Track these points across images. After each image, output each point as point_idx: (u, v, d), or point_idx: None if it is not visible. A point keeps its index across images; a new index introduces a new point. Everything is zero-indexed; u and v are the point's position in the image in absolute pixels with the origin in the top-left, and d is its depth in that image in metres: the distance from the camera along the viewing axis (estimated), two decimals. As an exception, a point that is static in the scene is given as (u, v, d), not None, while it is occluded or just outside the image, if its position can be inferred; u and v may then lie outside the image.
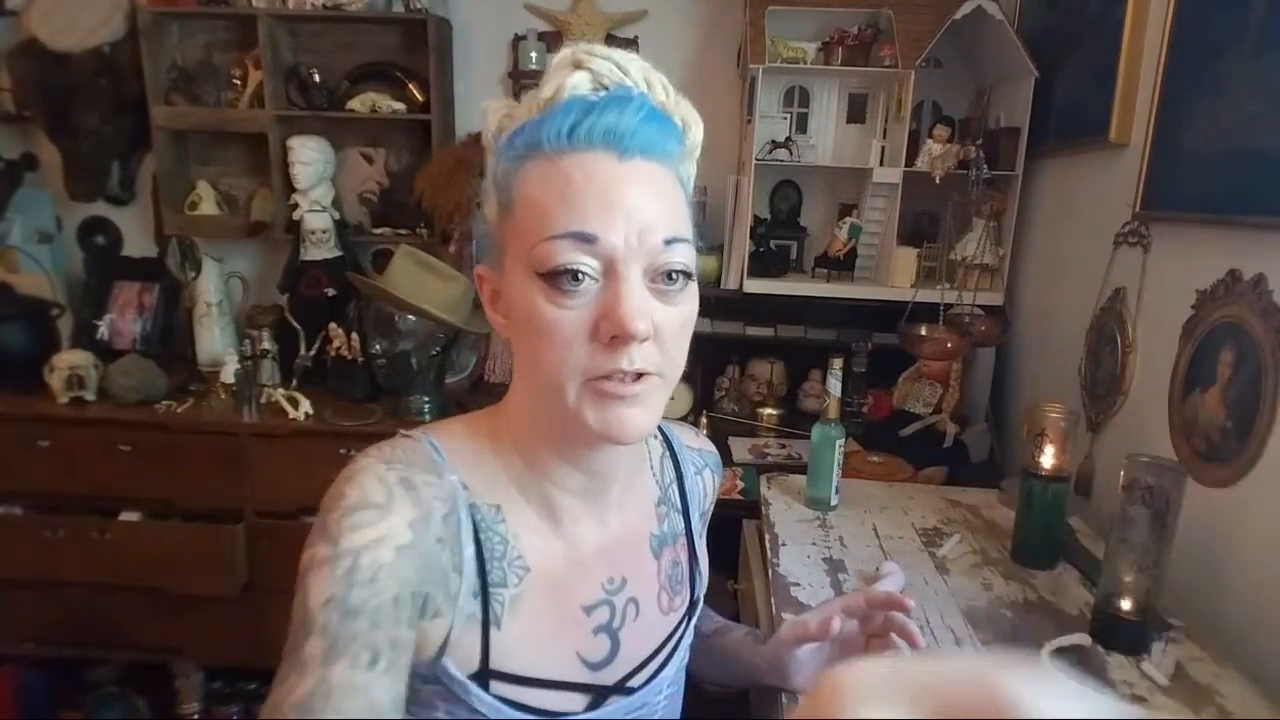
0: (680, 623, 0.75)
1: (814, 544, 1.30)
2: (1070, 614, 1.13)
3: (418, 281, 1.87)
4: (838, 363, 1.43)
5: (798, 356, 2.29)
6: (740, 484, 1.85)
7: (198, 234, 2.28)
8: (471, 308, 2.00)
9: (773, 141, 2.08)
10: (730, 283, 2.12)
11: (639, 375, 0.58)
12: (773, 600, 1.14)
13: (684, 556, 0.77)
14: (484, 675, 0.62)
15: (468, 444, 0.66)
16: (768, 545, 1.31)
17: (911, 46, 1.94)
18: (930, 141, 1.95)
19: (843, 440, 1.40)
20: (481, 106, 0.67)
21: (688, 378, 2.19)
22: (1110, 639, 1.04)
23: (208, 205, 2.32)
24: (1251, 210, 1.13)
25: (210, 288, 2.28)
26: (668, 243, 0.58)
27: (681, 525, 0.78)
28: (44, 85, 2.19)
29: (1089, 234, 1.61)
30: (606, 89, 0.61)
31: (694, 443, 0.84)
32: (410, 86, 2.27)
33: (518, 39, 2.31)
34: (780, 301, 2.08)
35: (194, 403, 2.07)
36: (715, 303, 2.21)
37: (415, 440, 0.65)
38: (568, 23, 2.29)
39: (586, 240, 0.57)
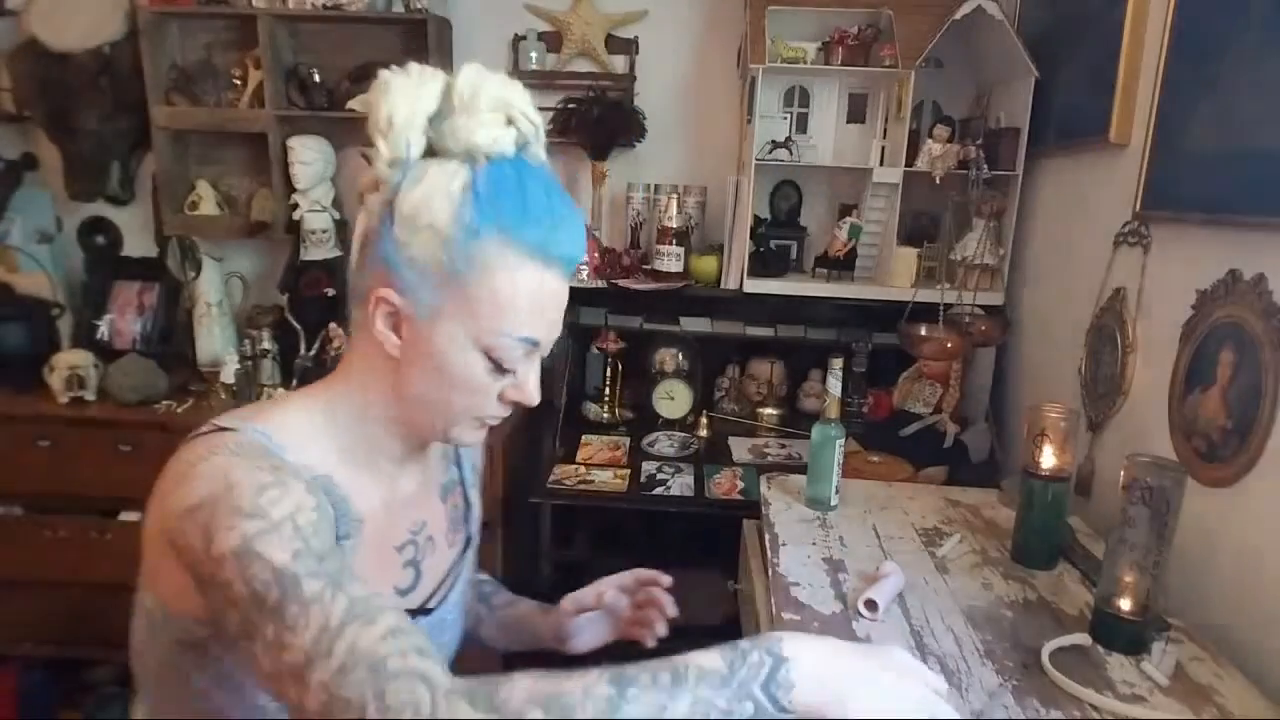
0: (462, 553, 0.92)
1: (814, 544, 1.30)
2: (1070, 614, 1.13)
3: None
4: (838, 363, 1.43)
5: (798, 356, 2.30)
6: (740, 484, 1.85)
7: (198, 234, 2.28)
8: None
9: (773, 141, 2.08)
10: (730, 283, 2.12)
11: None
12: (773, 600, 1.14)
13: (460, 501, 0.93)
14: None
15: (295, 426, 0.74)
16: (768, 545, 1.31)
17: (911, 46, 1.94)
18: (930, 141, 1.95)
19: (843, 440, 1.40)
20: (381, 82, 0.70)
21: (688, 377, 2.20)
22: (1110, 639, 1.04)
23: (208, 205, 2.32)
24: (1251, 210, 1.13)
25: (210, 288, 2.28)
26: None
27: (458, 475, 0.93)
28: (44, 85, 2.19)
29: (1089, 234, 1.61)
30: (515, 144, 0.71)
31: None
32: (410, 86, 2.26)
33: (518, 39, 2.31)
34: (780, 301, 2.08)
35: (194, 403, 2.07)
36: (715, 303, 2.21)
37: (240, 433, 0.70)
38: (568, 23, 2.29)
39: (535, 345, 0.74)
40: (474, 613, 1.05)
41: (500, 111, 0.69)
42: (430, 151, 0.70)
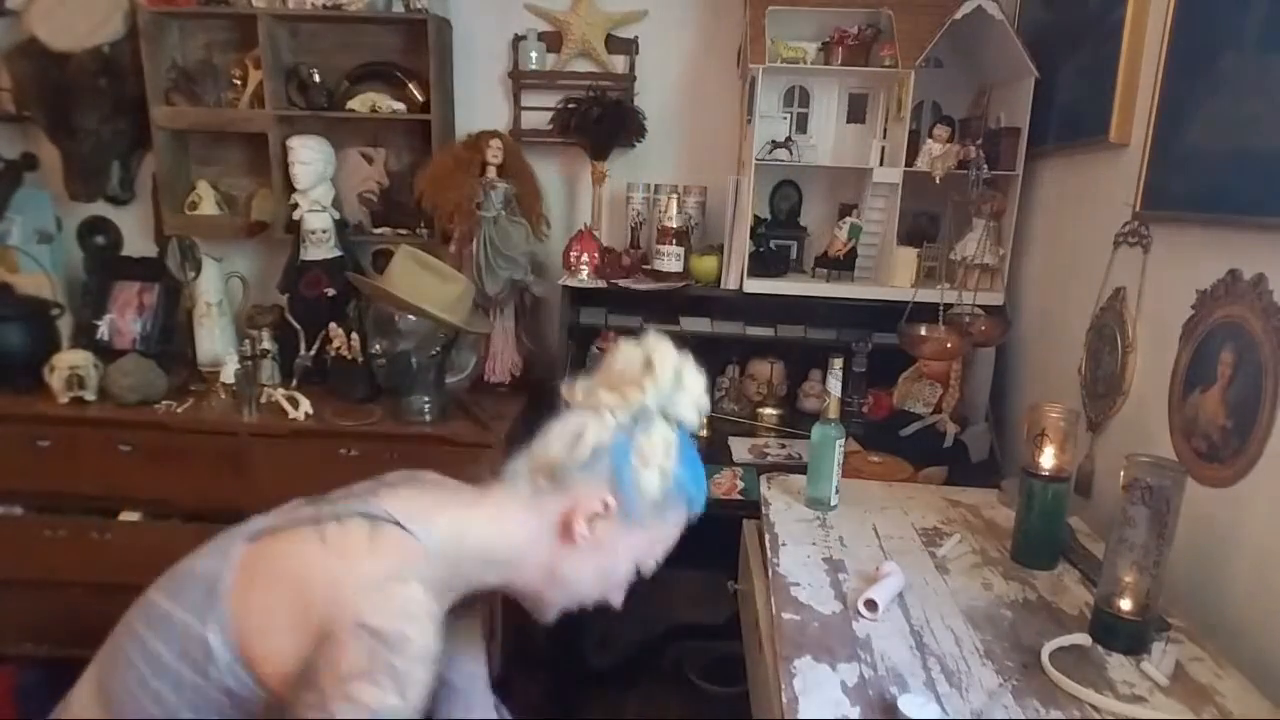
0: None
1: (814, 544, 1.30)
2: (1070, 614, 1.13)
3: (418, 281, 1.87)
4: (838, 363, 1.43)
5: (798, 356, 2.29)
6: (740, 484, 1.85)
7: (198, 234, 2.28)
8: (471, 308, 2.00)
9: (773, 141, 2.08)
10: (730, 283, 2.12)
11: None
12: (773, 600, 1.14)
13: None
14: None
15: (449, 546, 0.81)
16: (768, 545, 1.31)
17: (911, 46, 1.94)
18: (930, 141, 1.95)
19: (843, 440, 1.40)
20: (668, 354, 0.89)
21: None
22: (1110, 639, 1.04)
23: (208, 205, 2.32)
24: (1251, 210, 1.13)
25: (210, 288, 2.28)
26: None
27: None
28: (44, 85, 2.19)
29: (1089, 234, 1.61)
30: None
31: None
32: (410, 86, 2.27)
33: (518, 39, 2.31)
34: (780, 301, 2.08)
35: (194, 403, 2.07)
36: (715, 303, 2.21)
37: (426, 553, 0.78)
38: (568, 23, 2.29)
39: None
40: None
41: (699, 403, 0.90)
42: None
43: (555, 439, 0.88)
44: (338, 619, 0.69)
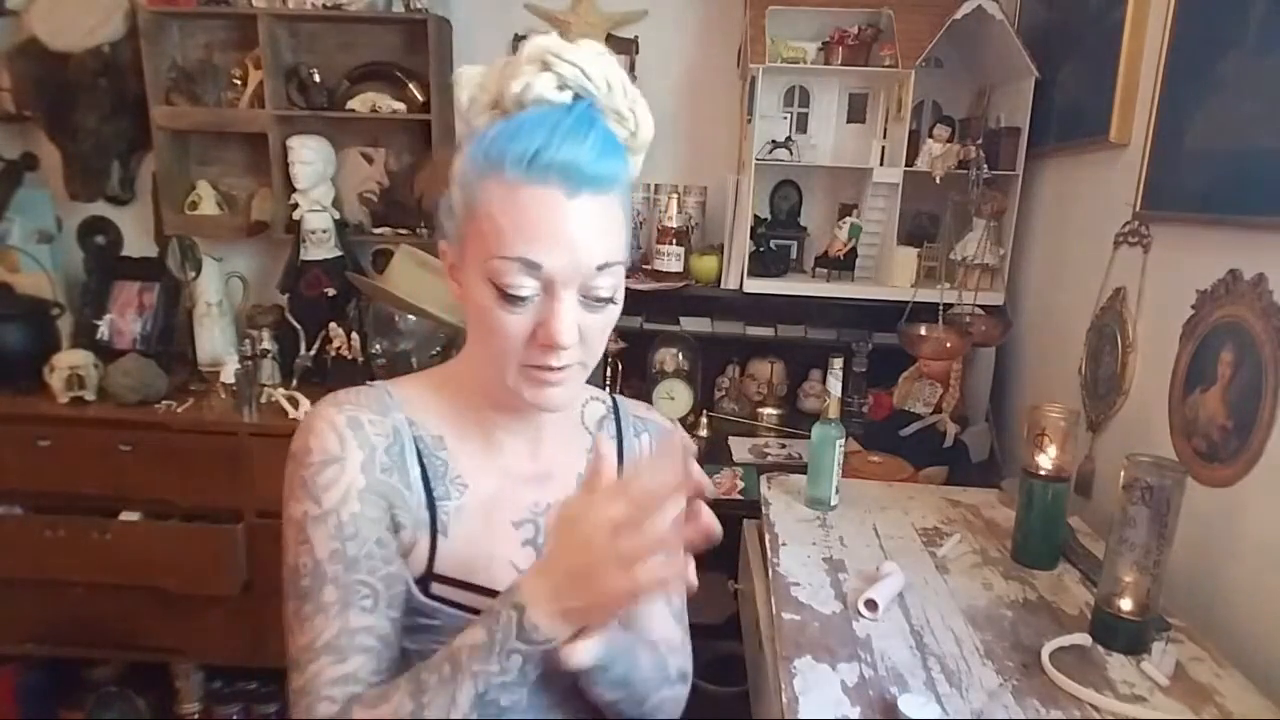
0: None
1: (814, 544, 1.30)
2: (1070, 614, 1.13)
3: (418, 281, 1.87)
4: (838, 363, 1.43)
5: (798, 356, 2.30)
6: (740, 484, 1.85)
7: (198, 234, 2.28)
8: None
9: (773, 141, 2.08)
10: (730, 283, 2.12)
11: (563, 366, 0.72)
12: (773, 600, 1.14)
13: None
14: (427, 579, 0.75)
15: (418, 390, 0.80)
16: (768, 545, 1.31)
17: (911, 46, 1.94)
18: (930, 141, 1.95)
19: (843, 440, 1.40)
20: (455, 73, 0.74)
21: (688, 377, 2.20)
22: (1110, 639, 1.04)
23: (208, 205, 2.32)
24: (1251, 210, 1.13)
25: (210, 288, 2.28)
26: (600, 268, 0.69)
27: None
28: (44, 85, 2.19)
29: (1089, 234, 1.61)
30: (571, 90, 0.69)
31: (641, 413, 0.94)
32: (410, 86, 2.26)
33: (518, 39, 2.31)
34: (780, 301, 2.08)
35: (194, 403, 2.06)
36: (715, 303, 2.21)
37: (372, 388, 0.78)
38: (568, 23, 2.29)
39: (532, 266, 0.68)
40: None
41: (535, 61, 0.68)
42: None
43: None
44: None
